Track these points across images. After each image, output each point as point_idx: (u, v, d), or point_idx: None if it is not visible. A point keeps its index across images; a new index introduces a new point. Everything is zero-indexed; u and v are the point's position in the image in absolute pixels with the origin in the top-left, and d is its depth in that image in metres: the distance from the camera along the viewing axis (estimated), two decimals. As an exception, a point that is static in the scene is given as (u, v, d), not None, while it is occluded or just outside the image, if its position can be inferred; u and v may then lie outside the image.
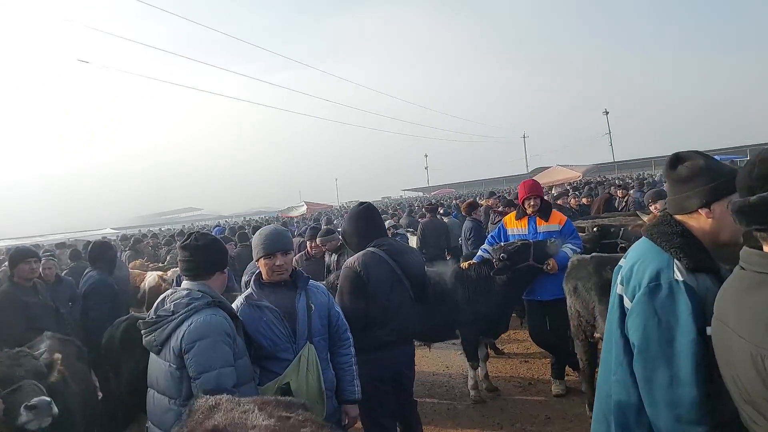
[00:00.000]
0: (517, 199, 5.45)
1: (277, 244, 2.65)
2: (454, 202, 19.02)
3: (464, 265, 5.15)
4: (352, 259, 3.18)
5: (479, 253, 5.27)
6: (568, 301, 4.09)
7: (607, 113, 53.54)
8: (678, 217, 1.74)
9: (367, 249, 3.22)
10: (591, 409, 4.10)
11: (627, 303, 1.71)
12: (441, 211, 11.37)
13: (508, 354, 6.36)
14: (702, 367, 1.49)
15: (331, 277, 4.67)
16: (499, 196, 11.99)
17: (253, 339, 2.56)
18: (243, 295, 2.74)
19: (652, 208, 6.12)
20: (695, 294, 1.55)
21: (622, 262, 1.94)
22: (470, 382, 5.04)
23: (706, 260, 1.62)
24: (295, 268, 2.78)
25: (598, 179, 26.44)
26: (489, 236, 5.38)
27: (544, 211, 5.02)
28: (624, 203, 10.53)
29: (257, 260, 2.73)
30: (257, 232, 2.79)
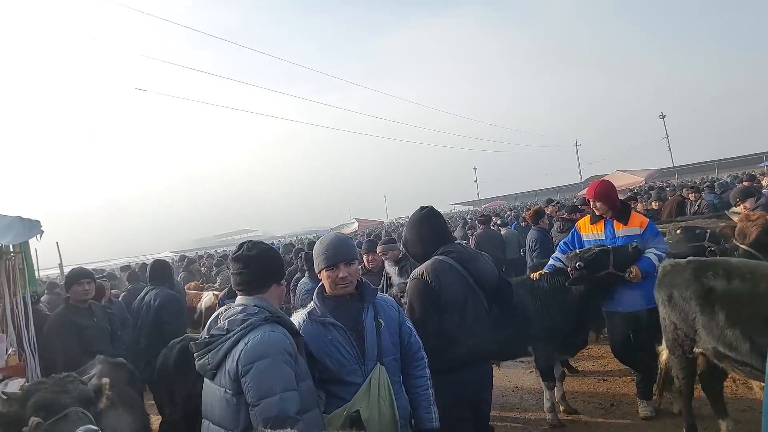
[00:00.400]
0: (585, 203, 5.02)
1: (340, 254, 2.42)
2: (508, 213, 18.36)
3: (534, 275, 4.77)
4: (420, 269, 2.92)
5: (551, 262, 4.87)
6: (662, 312, 3.65)
7: (663, 117, 50.97)
8: None
9: (435, 257, 2.96)
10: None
11: None
12: (498, 222, 10.95)
13: (583, 372, 5.86)
14: None
15: (394, 289, 4.41)
16: (558, 203, 11.40)
17: (318, 359, 2.33)
18: (305, 311, 2.52)
19: (740, 207, 5.58)
20: None
21: None
22: (546, 404, 4.62)
23: None
24: (361, 280, 2.53)
25: (660, 184, 25.00)
26: (561, 243, 4.97)
27: (623, 213, 4.57)
28: (697, 206, 9.77)
29: (319, 272, 2.50)
30: (318, 241, 2.58)
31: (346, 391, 2.33)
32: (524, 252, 9.47)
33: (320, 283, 2.58)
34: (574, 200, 10.68)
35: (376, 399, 2.30)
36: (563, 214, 7.93)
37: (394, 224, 34.66)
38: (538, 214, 7.18)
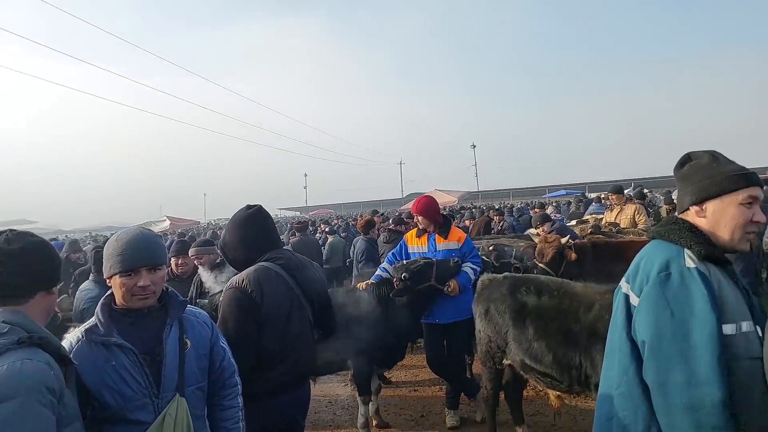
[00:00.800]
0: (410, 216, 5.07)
1: (143, 256, 1.86)
2: (335, 222, 18.47)
3: (360, 285, 4.60)
4: (240, 277, 2.43)
5: (377, 272, 4.77)
6: (478, 325, 3.74)
7: (474, 147, 57.77)
8: (681, 216, 1.68)
9: (259, 264, 2.51)
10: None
11: (634, 300, 1.56)
12: (326, 229, 10.81)
13: (396, 383, 5.90)
14: (723, 362, 1.35)
15: (207, 301, 3.77)
16: (383, 215, 11.74)
17: (92, 393, 1.73)
18: (82, 328, 1.87)
19: (540, 230, 6.30)
20: (709, 282, 1.45)
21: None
22: (360, 420, 4.45)
23: (717, 251, 1.54)
24: (167, 290, 1.97)
25: (469, 205, 28.06)
26: (390, 254, 4.92)
27: (444, 228, 4.70)
28: (500, 227, 10.96)
29: (109, 277, 1.88)
30: (114, 237, 1.95)
31: (128, 431, 1.77)
32: (350, 261, 9.49)
33: (108, 292, 1.95)
34: (400, 213, 11.05)
35: None
36: (389, 226, 8.07)
37: (212, 225, 32.36)
38: (369, 224, 7.16)
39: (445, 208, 20.65)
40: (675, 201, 7.40)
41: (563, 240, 5.25)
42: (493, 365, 3.65)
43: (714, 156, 1.63)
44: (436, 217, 4.66)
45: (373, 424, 4.61)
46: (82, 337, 1.82)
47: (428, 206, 4.67)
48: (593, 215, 10.16)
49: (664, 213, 8.59)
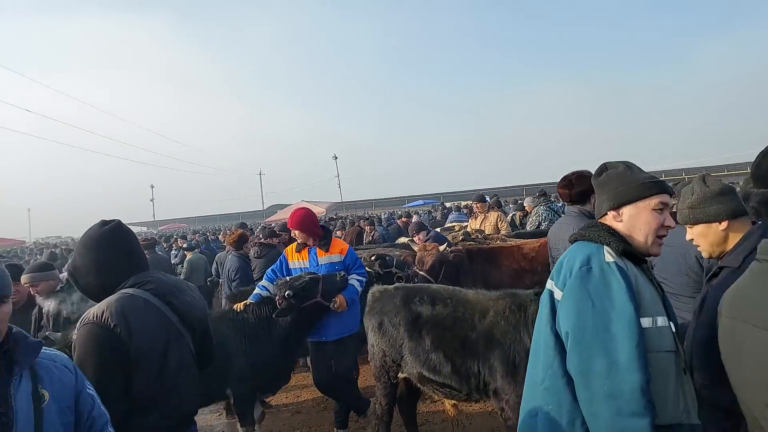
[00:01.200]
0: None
1: None
2: (191, 237, 17.03)
3: (238, 306, 4.19)
4: (98, 309, 1.94)
5: (256, 290, 4.41)
6: (371, 339, 3.61)
7: (336, 158, 58.26)
8: (600, 220, 1.77)
9: (122, 291, 2.05)
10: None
11: (557, 295, 1.61)
12: (184, 246, 9.86)
13: (277, 406, 5.52)
14: (642, 350, 1.42)
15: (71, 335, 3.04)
16: (251, 228, 11.13)
17: None
18: None
19: (416, 238, 6.45)
20: (628, 275, 1.53)
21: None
22: (245, 453, 4.03)
23: (634, 249, 1.64)
24: (11, 329, 1.50)
25: (334, 216, 28.16)
26: (269, 271, 4.57)
27: (324, 240, 4.51)
28: (371, 237, 11.09)
29: None
30: None
31: None
32: (210, 280, 8.74)
33: None
34: (271, 225, 10.49)
35: None
36: (258, 239, 7.61)
37: (40, 245, 27.83)
38: (242, 239, 6.62)
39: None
40: (525, 207, 8.09)
41: (441, 248, 5.40)
42: (388, 380, 3.55)
43: (628, 166, 1.74)
44: (314, 230, 4.45)
45: (258, 456, 4.21)
46: None
47: (304, 219, 4.43)
48: (455, 223, 10.82)
49: (517, 219, 9.39)
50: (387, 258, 5.59)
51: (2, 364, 1.46)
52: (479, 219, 7.72)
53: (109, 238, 2.11)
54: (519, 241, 6.06)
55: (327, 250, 4.47)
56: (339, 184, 53.27)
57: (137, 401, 1.95)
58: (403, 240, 8.68)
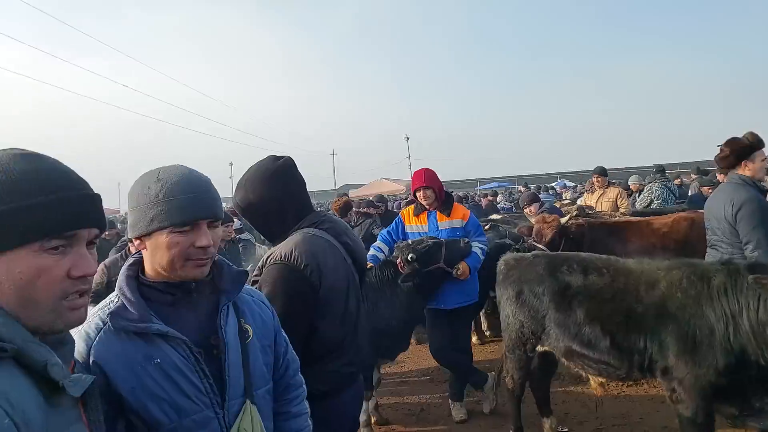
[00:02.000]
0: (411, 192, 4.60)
1: (206, 204, 1.30)
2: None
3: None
4: (286, 249, 1.85)
5: (371, 252, 4.30)
6: (507, 310, 3.39)
7: (408, 139, 57.79)
8: None
9: (305, 231, 1.95)
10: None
11: None
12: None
13: (384, 375, 5.46)
14: None
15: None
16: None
17: (131, 407, 1.19)
18: (99, 311, 1.28)
19: (528, 210, 6.12)
20: None
21: None
22: (362, 417, 3.98)
23: None
24: (214, 256, 1.38)
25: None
26: (384, 232, 4.46)
27: (446, 204, 4.31)
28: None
29: (146, 236, 1.28)
30: (145, 180, 1.32)
31: None
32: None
33: (135, 257, 1.37)
34: (367, 198, 10.44)
35: None
36: (358, 209, 7.59)
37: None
38: (347, 207, 6.59)
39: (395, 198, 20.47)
40: (631, 187, 7.43)
41: (563, 220, 5.04)
42: (524, 353, 3.32)
43: None
44: (443, 190, 4.27)
45: (373, 421, 4.15)
46: (106, 323, 1.23)
47: (435, 176, 4.26)
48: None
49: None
50: (500, 228, 5.31)
51: (210, 293, 1.37)
52: (596, 195, 7.19)
53: (289, 173, 2.01)
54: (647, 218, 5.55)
55: (448, 215, 4.27)
56: (410, 165, 52.99)
57: (324, 346, 1.87)
58: (495, 217, 8.36)
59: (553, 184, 24.85)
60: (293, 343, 1.73)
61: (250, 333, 1.39)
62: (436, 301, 4.18)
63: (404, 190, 23.15)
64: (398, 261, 3.96)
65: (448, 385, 4.40)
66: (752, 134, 3.54)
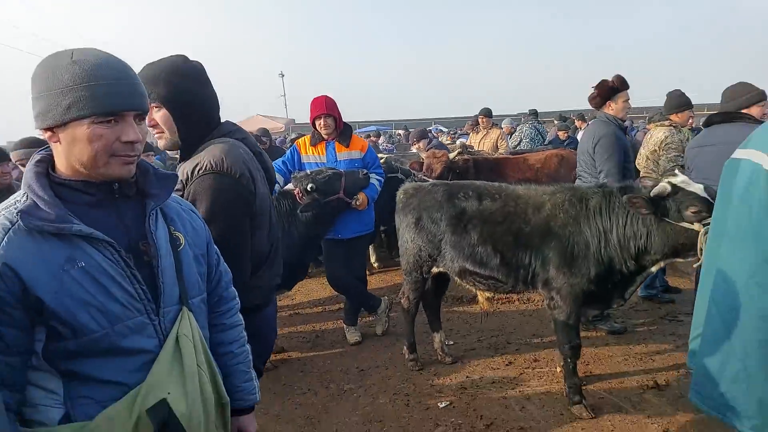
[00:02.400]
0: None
1: (133, 92, 1.14)
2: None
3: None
4: (214, 158, 1.69)
5: (268, 183, 4.14)
6: (406, 236, 3.52)
7: (282, 76, 55.07)
8: None
9: (224, 140, 1.80)
10: (411, 351, 3.82)
11: None
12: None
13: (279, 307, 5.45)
14: None
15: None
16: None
17: (53, 312, 1.05)
18: (4, 209, 1.08)
19: (416, 146, 6.31)
20: None
21: (741, 154, 1.56)
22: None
23: None
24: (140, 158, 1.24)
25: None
26: (279, 162, 4.29)
27: (345, 135, 4.28)
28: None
29: (61, 126, 1.09)
30: (55, 59, 1.10)
31: (122, 366, 1.15)
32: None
33: (42, 153, 1.18)
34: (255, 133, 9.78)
35: (193, 372, 1.21)
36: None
37: None
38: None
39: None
40: (504, 129, 8.02)
41: (451, 155, 5.30)
42: (420, 275, 3.52)
43: None
44: (342, 120, 4.21)
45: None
46: (15, 223, 1.04)
47: (336, 106, 4.17)
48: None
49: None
50: (393, 163, 5.43)
51: (135, 195, 1.24)
52: (480, 135, 7.63)
53: (203, 72, 1.82)
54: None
55: (347, 146, 4.24)
56: (285, 104, 50.90)
57: (258, 258, 1.81)
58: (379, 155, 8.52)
59: (429, 128, 25.83)
60: (240, 258, 1.67)
61: (182, 241, 1.28)
62: (334, 232, 4.21)
63: (283, 128, 22.32)
64: (296, 191, 3.89)
65: (343, 311, 4.54)
66: (617, 77, 4.00)
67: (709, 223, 2.48)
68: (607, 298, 3.01)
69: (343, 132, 4.27)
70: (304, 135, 4.51)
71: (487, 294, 3.42)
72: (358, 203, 4.05)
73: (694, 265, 2.64)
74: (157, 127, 1.76)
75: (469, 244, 3.19)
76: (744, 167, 1.51)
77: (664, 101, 4.93)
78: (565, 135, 9.01)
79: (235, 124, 1.96)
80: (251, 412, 1.55)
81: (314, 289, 5.79)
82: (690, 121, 5.25)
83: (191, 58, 1.84)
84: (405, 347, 3.82)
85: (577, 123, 11.19)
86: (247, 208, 1.73)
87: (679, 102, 4.74)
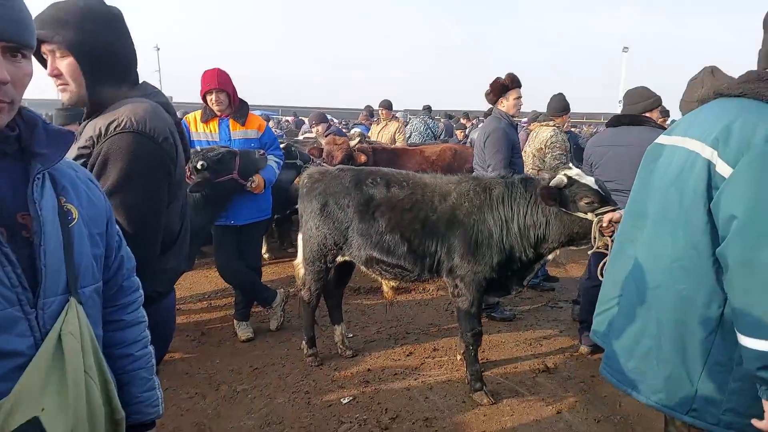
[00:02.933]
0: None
1: (3, 16, 0.85)
2: None
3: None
4: (135, 116, 1.41)
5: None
6: (310, 222, 3.30)
7: (158, 49, 50.41)
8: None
9: (142, 100, 1.50)
10: (311, 346, 3.59)
11: (723, 170, 1.34)
12: None
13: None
14: None
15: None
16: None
17: None
18: None
19: (314, 129, 6.06)
20: None
21: (670, 141, 1.59)
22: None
23: None
24: (22, 109, 0.95)
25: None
26: None
27: (240, 112, 3.93)
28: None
29: None
30: None
31: None
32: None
33: None
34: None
35: (79, 379, 0.93)
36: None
37: None
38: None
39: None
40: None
41: (352, 143, 5.15)
42: (323, 264, 3.33)
43: None
44: (236, 95, 3.86)
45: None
46: None
47: (228, 77, 3.81)
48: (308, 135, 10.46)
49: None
50: (292, 149, 5.14)
51: (15, 155, 0.95)
52: (380, 126, 7.56)
53: (121, 20, 1.51)
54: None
55: (243, 124, 3.91)
56: (160, 80, 46.75)
57: (169, 237, 1.54)
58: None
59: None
60: (151, 235, 1.40)
61: (75, 215, 1.00)
62: (226, 217, 3.86)
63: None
64: (186, 169, 3.47)
65: (234, 305, 4.18)
66: (509, 75, 4.17)
67: (601, 213, 2.67)
68: (507, 285, 3.08)
69: (239, 109, 3.92)
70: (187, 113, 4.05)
71: (392, 283, 3.34)
72: (253, 185, 3.74)
73: (589, 252, 2.79)
74: (61, 77, 1.45)
75: (377, 232, 3.08)
76: (677, 154, 1.53)
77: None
78: (462, 135, 9.39)
79: (155, 87, 1.67)
80: (152, 428, 1.26)
81: (198, 281, 5.30)
82: (567, 123, 5.71)
83: (108, 3, 1.51)
84: (304, 342, 3.60)
85: (463, 120, 11.76)
86: (167, 178, 1.46)
87: (563, 105, 5.11)
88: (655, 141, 1.70)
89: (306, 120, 18.74)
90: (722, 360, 1.38)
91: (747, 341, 1.27)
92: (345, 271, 3.67)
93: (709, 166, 1.37)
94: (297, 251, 3.65)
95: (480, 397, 3.07)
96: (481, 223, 2.92)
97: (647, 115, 3.48)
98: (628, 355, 1.60)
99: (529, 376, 3.40)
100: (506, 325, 4.25)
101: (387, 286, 3.38)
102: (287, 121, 20.52)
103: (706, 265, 1.39)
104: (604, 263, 2.53)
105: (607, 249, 2.55)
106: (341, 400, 3.12)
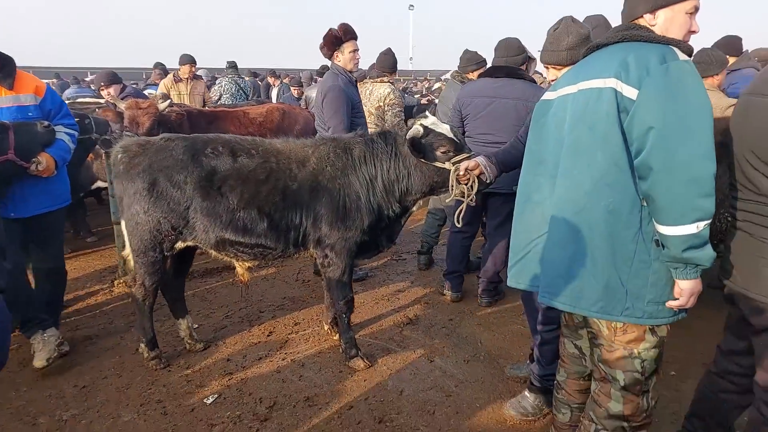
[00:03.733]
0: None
1: None
2: None
3: None
4: None
5: None
6: (136, 207, 2.69)
7: None
8: (634, 22, 1.74)
9: None
10: (152, 348, 3.01)
11: (630, 93, 1.58)
12: None
13: None
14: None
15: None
16: None
17: None
18: None
19: (106, 92, 5.00)
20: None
21: (568, 90, 1.79)
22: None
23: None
24: None
25: None
26: None
27: (4, 72, 2.98)
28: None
29: None
30: None
31: None
32: None
33: None
34: None
35: None
36: None
37: None
38: None
39: None
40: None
41: (161, 106, 4.39)
42: (159, 253, 2.79)
43: None
44: None
45: None
46: None
47: None
48: (78, 97, 8.69)
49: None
50: (86, 121, 4.14)
51: None
52: (183, 86, 6.51)
53: None
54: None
55: (11, 87, 2.97)
56: None
57: None
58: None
59: (87, 79, 21.51)
60: None
61: None
62: (6, 208, 2.95)
63: None
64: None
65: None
66: (342, 26, 3.89)
67: (457, 161, 2.70)
68: (377, 244, 3.01)
69: (2, 66, 2.95)
70: None
71: (248, 264, 2.99)
72: (40, 168, 2.92)
73: (447, 201, 2.82)
74: None
75: (228, 210, 2.68)
76: (570, 100, 1.75)
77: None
78: (298, 92, 8.66)
79: None
80: None
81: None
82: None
83: None
84: (143, 345, 3.04)
85: (270, 79, 11.16)
86: None
87: (393, 62, 5.01)
88: (542, 98, 1.90)
89: (71, 82, 15.64)
90: (644, 258, 1.62)
91: (672, 230, 1.52)
92: (185, 258, 3.17)
93: (616, 93, 1.59)
94: (109, 239, 2.99)
95: (356, 363, 3.01)
96: (347, 186, 2.76)
97: (522, 68, 3.53)
98: (566, 276, 1.76)
99: (395, 332, 3.46)
100: (361, 285, 4.25)
101: (242, 268, 3.01)
102: (53, 82, 16.85)
103: (626, 177, 1.61)
104: (461, 210, 2.66)
105: (463, 197, 2.61)
106: (204, 400, 2.74)
